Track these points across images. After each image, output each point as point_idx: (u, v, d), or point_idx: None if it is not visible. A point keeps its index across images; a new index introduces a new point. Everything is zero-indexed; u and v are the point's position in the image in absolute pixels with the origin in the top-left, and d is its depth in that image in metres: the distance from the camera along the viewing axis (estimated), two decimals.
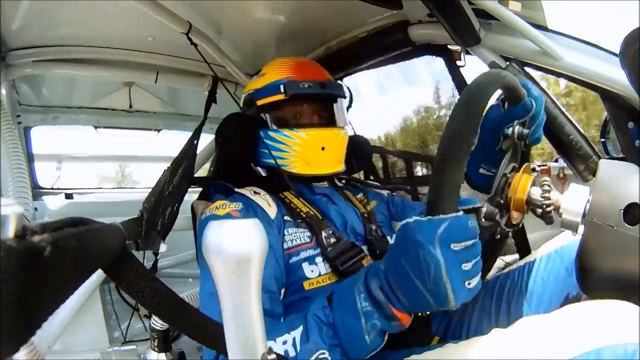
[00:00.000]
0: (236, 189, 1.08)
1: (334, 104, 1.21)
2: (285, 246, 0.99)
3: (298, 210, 1.05)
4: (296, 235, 1.01)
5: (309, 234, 1.02)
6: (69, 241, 0.27)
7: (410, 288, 0.63)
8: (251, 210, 1.01)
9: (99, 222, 0.41)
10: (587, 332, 0.55)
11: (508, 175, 0.77)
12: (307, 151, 1.10)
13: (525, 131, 0.77)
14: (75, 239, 0.28)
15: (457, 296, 0.60)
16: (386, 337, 0.71)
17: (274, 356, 0.46)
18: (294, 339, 0.74)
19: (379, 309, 0.68)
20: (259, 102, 1.14)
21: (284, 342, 0.74)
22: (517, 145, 0.78)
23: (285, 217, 1.04)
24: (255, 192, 1.06)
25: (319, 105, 1.18)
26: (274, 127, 1.13)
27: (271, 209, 1.02)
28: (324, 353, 0.71)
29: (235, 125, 1.19)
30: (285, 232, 1.01)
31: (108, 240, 0.39)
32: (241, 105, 1.22)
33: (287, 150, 1.10)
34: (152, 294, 0.49)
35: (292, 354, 0.72)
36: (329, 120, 1.18)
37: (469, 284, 0.61)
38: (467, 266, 0.61)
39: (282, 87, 1.10)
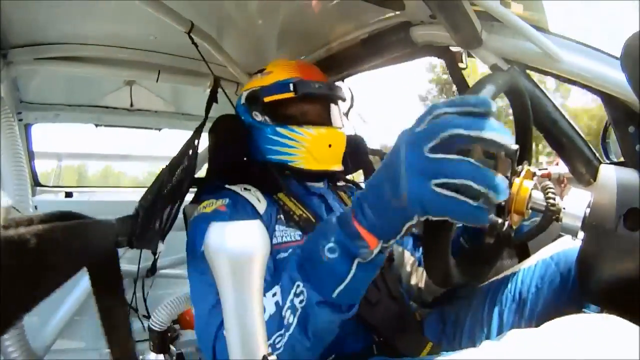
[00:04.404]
0: (226, 186, 1.09)
1: (336, 106, 1.25)
2: (274, 241, 1.00)
3: (291, 213, 1.06)
4: (286, 233, 1.02)
5: (300, 232, 1.03)
6: (55, 234, 0.27)
7: (374, 183, 0.60)
8: (239, 205, 1.02)
9: (90, 218, 0.40)
10: (578, 348, 0.53)
11: (509, 176, 0.76)
12: (315, 147, 1.13)
13: (512, 148, 0.74)
14: (62, 232, 0.28)
15: (411, 189, 0.52)
16: (354, 266, 0.63)
17: (274, 357, 0.46)
18: (280, 288, 0.74)
19: (342, 226, 0.63)
20: (267, 99, 1.16)
21: (274, 294, 0.74)
22: (505, 160, 0.77)
23: (279, 217, 1.05)
24: (245, 189, 1.07)
25: (324, 106, 1.22)
26: (282, 123, 1.15)
27: (260, 205, 1.04)
28: (299, 286, 0.70)
29: (226, 126, 1.23)
30: (276, 229, 1.02)
31: (99, 236, 0.39)
32: (243, 101, 1.23)
33: (296, 146, 1.13)
34: None
35: (280, 303, 0.72)
36: (332, 121, 1.22)
37: (438, 184, 0.50)
38: (431, 147, 0.51)
39: (291, 85, 1.13)
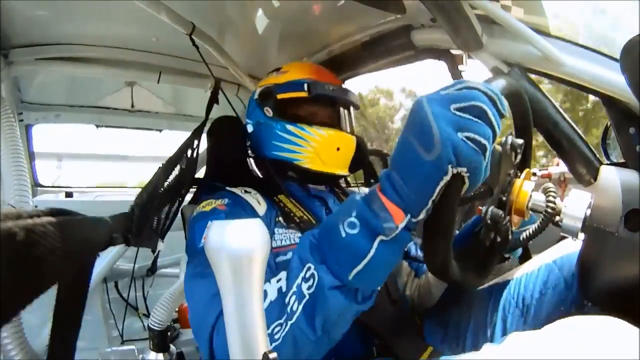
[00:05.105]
0: (226, 188, 1.08)
1: (349, 112, 1.25)
2: (273, 244, 0.98)
3: (292, 214, 1.05)
4: (286, 236, 1.01)
5: (300, 235, 1.02)
6: (46, 229, 0.27)
7: (399, 147, 0.58)
8: (238, 205, 1.01)
9: (82, 214, 0.40)
10: (579, 350, 0.52)
11: (511, 175, 0.76)
12: (323, 149, 1.11)
13: (519, 141, 0.75)
14: (53, 227, 0.28)
15: (443, 134, 0.53)
16: (375, 244, 0.59)
17: (274, 355, 0.46)
18: (287, 272, 0.70)
19: (366, 200, 0.61)
20: (280, 96, 1.16)
21: (278, 280, 0.71)
22: (510, 155, 0.77)
23: (278, 219, 1.04)
24: (245, 191, 1.07)
25: (336, 109, 1.21)
26: (292, 121, 1.13)
27: (260, 207, 1.03)
28: (309, 268, 0.64)
29: (225, 127, 1.23)
30: (275, 232, 1.01)
31: (92, 232, 0.39)
32: (256, 97, 1.22)
33: (304, 145, 1.11)
34: None
35: (284, 289, 0.68)
36: (343, 125, 1.21)
37: (465, 136, 0.54)
38: (457, 107, 0.55)
39: (306, 85, 1.13)
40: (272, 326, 0.66)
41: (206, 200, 1.03)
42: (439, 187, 0.55)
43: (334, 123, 1.19)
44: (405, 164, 0.57)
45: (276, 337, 0.65)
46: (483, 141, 0.54)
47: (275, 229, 1.02)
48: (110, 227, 0.44)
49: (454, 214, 0.60)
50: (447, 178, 0.54)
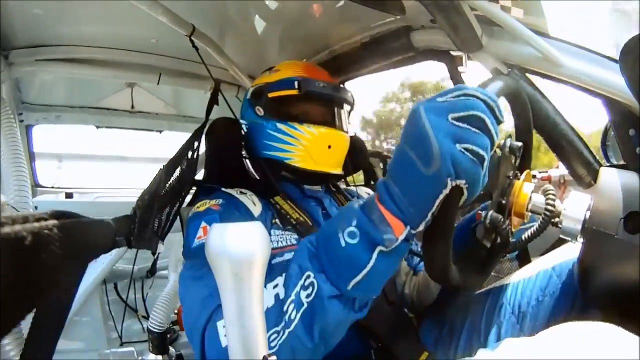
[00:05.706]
0: (222, 189, 1.08)
1: (341, 109, 1.23)
2: None
3: (288, 216, 1.05)
4: (282, 237, 1.01)
5: (296, 236, 1.01)
6: (52, 232, 0.27)
7: (397, 159, 0.57)
8: (232, 206, 1.00)
9: (86, 217, 0.40)
10: (575, 357, 0.52)
11: (510, 177, 0.76)
12: (314, 147, 1.10)
13: (517, 144, 0.75)
14: (59, 230, 0.28)
15: (442, 148, 0.52)
16: (375, 255, 0.58)
17: (274, 358, 0.46)
18: (285, 279, 0.68)
19: (365, 210, 0.60)
20: (271, 95, 1.15)
21: (275, 286, 0.68)
22: (509, 157, 0.77)
23: (274, 221, 1.04)
24: (241, 192, 1.07)
25: (328, 107, 1.19)
26: (283, 120, 1.13)
27: (255, 208, 1.03)
28: (309, 277, 0.63)
29: (223, 129, 1.22)
30: (271, 233, 1.00)
31: (96, 235, 0.39)
32: (248, 96, 1.22)
33: (294, 144, 1.10)
34: None
35: (281, 295, 0.66)
36: (335, 123, 1.20)
37: (463, 148, 0.53)
38: (455, 117, 0.54)
39: (296, 83, 1.11)
40: (269, 333, 0.64)
41: (202, 201, 1.03)
42: (438, 200, 0.55)
43: (326, 121, 1.17)
44: (403, 177, 0.57)
45: (272, 344, 0.64)
46: (481, 152, 0.54)
47: (272, 231, 1.01)
48: (114, 229, 0.44)
49: (453, 223, 0.60)
50: (446, 191, 0.54)
